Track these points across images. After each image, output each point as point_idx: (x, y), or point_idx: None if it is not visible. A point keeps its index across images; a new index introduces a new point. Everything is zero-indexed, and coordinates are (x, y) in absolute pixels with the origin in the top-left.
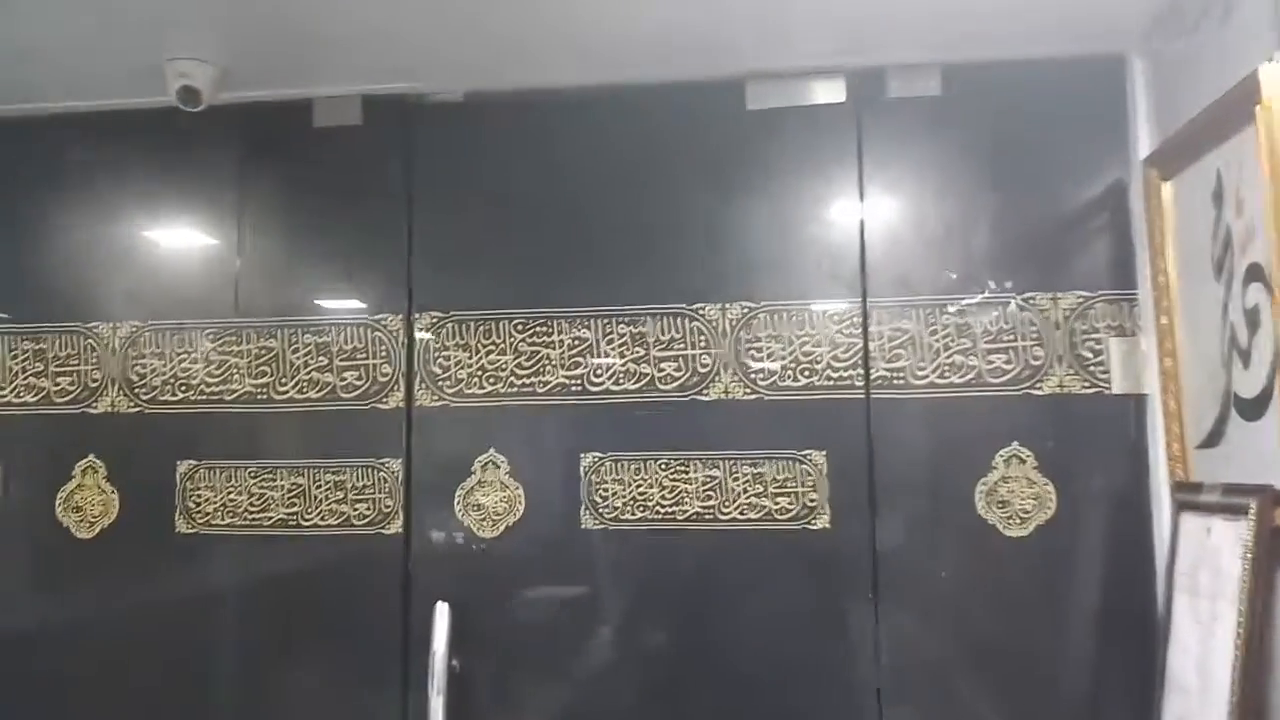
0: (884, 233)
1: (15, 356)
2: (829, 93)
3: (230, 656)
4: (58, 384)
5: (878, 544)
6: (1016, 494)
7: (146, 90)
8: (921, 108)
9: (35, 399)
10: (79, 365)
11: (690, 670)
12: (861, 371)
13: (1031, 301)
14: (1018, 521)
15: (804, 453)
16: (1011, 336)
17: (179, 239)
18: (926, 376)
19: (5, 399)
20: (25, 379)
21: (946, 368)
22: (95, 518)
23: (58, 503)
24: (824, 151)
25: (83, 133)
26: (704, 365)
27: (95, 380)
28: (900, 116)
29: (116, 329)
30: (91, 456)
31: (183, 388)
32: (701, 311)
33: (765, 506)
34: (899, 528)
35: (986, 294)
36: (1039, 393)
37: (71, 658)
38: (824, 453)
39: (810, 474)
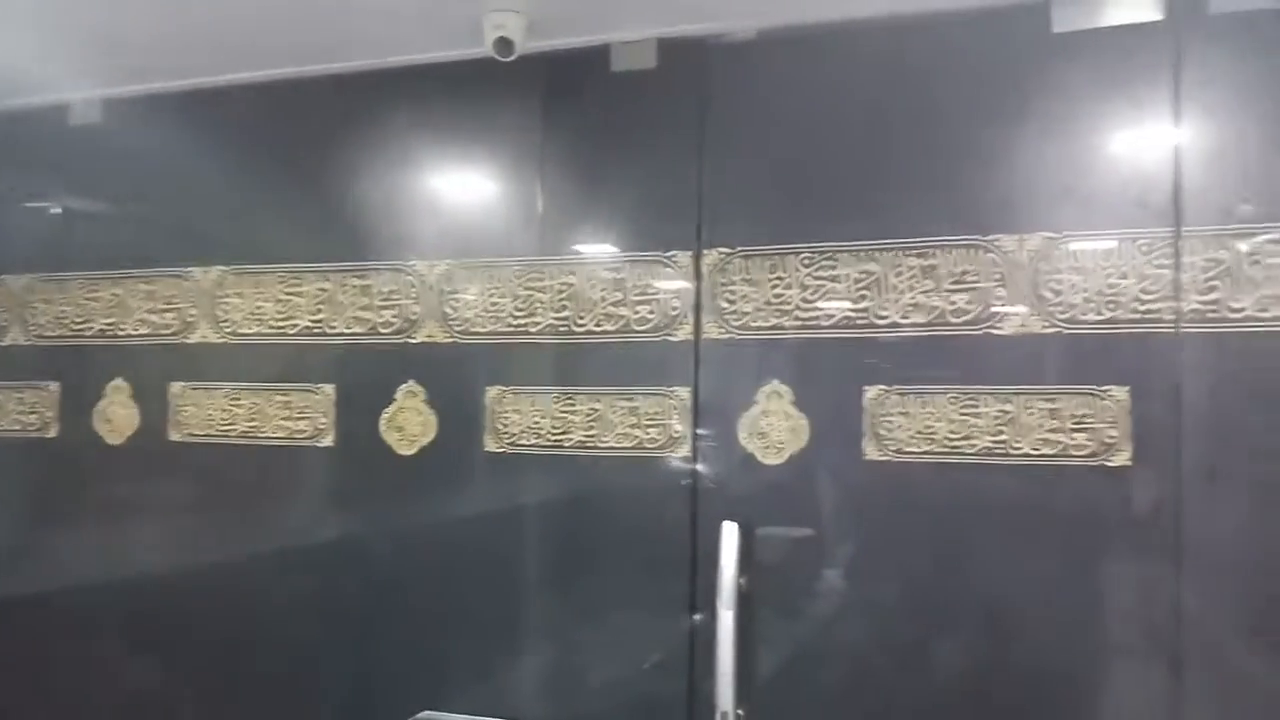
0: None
1: (345, 292)
2: (1144, 11)
3: (533, 565)
4: (382, 316)
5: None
6: None
7: (458, 45)
8: (1249, 24)
9: (364, 330)
10: (400, 300)
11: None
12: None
13: None
14: None
15: (1104, 388)
16: None
17: (487, 183)
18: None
19: (338, 330)
20: (354, 312)
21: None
22: (415, 436)
23: (381, 423)
24: (1133, 73)
25: (395, 87)
26: (998, 298)
27: (415, 314)
28: (1224, 34)
29: (433, 267)
30: (411, 381)
31: (492, 320)
32: (997, 243)
33: (1060, 442)
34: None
35: None
36: None
37: (400, 562)
38: (1126, 389)
39: (1110, 409)
